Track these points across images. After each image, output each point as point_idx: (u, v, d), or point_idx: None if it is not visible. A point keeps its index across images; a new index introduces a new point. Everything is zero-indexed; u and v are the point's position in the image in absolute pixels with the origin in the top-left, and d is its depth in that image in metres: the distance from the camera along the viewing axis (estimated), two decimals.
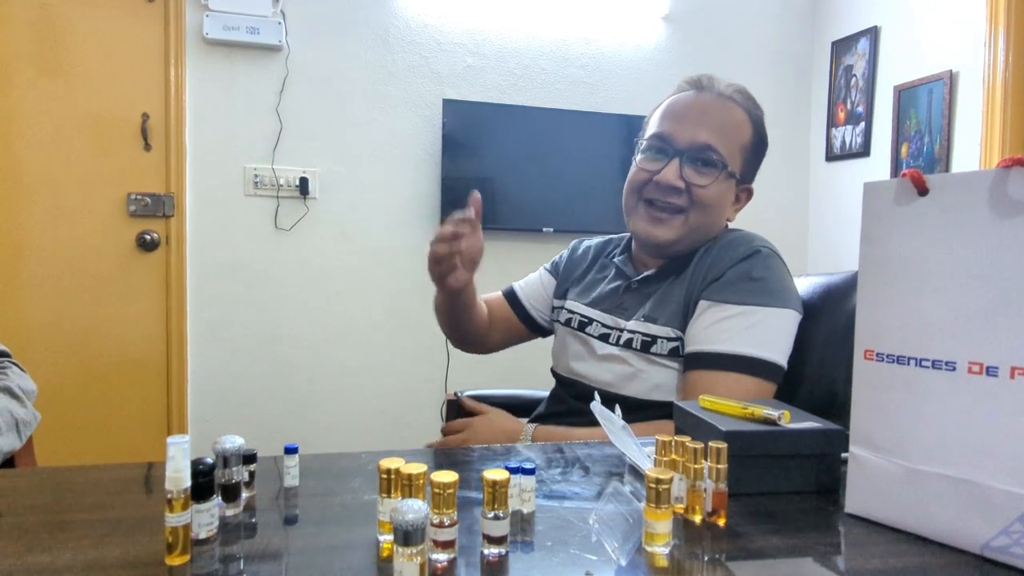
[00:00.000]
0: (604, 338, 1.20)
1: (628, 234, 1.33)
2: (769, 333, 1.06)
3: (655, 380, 1.12)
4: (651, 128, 1.22)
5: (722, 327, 1.06)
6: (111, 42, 2.49)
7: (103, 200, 2.51)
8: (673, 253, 1.20)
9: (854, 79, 2.93)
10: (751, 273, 1.09)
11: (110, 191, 2.51)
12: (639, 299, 1.20)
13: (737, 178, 1.19)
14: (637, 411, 1.07)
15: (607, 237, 1.43)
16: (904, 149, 2.65)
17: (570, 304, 1.32)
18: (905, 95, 2.64)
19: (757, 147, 1.22)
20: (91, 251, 2.51)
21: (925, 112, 2.55)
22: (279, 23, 2.61)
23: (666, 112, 1.21)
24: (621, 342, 1.16)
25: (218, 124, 2.61)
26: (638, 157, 1.22)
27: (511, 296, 1.52)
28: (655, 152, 1.19)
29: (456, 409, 1.58)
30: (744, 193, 1.24)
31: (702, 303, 1.10)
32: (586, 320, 1.25)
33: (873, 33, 2.81)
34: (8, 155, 2.43)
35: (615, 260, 1.32)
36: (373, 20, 2.75)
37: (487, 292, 2.88)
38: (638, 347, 1.13)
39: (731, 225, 1.27)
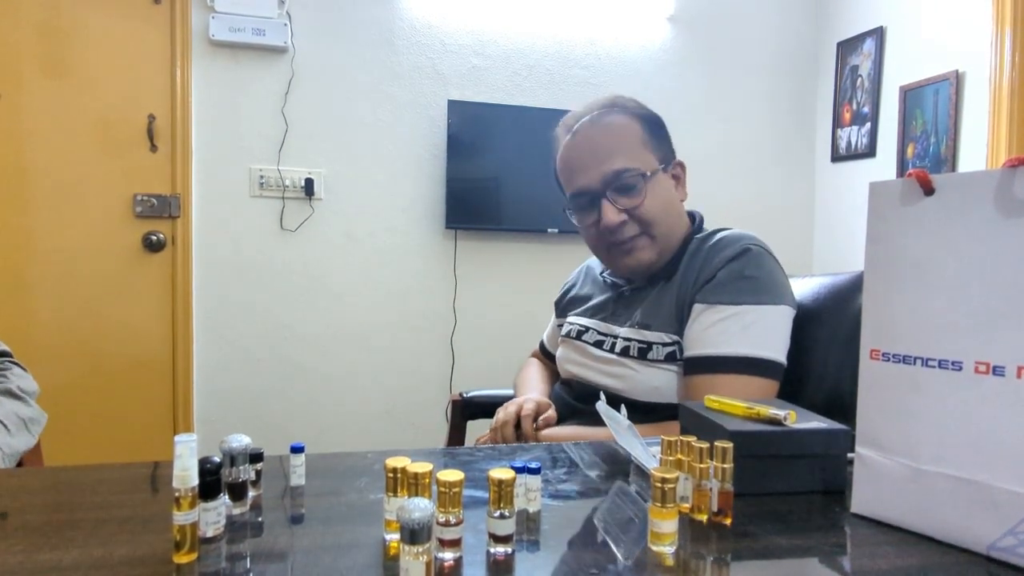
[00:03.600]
0: (599, 344, 1.21)
1: None
2: (766, 331, 1.06)
3: (653, 383, 1.12)
4: (567, 190, 1.24)
5: (719, 329, 1.06)
6: (117, 44, 2.50)
7: (109, 201, 2.52)
8: (660, 266, 1.21)
9: (860, 79, 2.92)
10: (743, 272, 1.09)
11: (116, 192, 2.52)
12: (631, 305, 1.22)
13: (661, 168, 1.20)
14: (638, 413, 1.07)
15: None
16: (910, 149, 2.64)
17: (570, 318, 1.34)
18: (911, 95, 2.64)
19: (654, 130, 1.22)
20: (97, 252, 2.52)
21: (931, 112, 2.54)
22: (285, 24, 2.62)
23: (565, 169, 1.23)
24: (617, 349, 1.17)
25: (224, 125, 2.62)
26: (575, 218, 1.25)
27: (543, 347, 1.56)
28: (584, 209, 1.21)
29: (461, 410, 1.58)
30: (678, 169, 1.25)
31: (697, 306, 1.10)
32: (583, 328, 1.27)
33: (879, 33, 2.81)
34: (15, 156, 2.44)
35: (605, 273, 1.35)
36: (378, 21, 2.75)
37: (485, 293, 2.87)
38: (635, 354, 1.14)
39: (722, 221, 1.28)
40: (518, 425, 1.16)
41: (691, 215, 1.27)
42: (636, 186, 1.16)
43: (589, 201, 1.19)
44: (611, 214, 1.16)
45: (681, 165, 1.25)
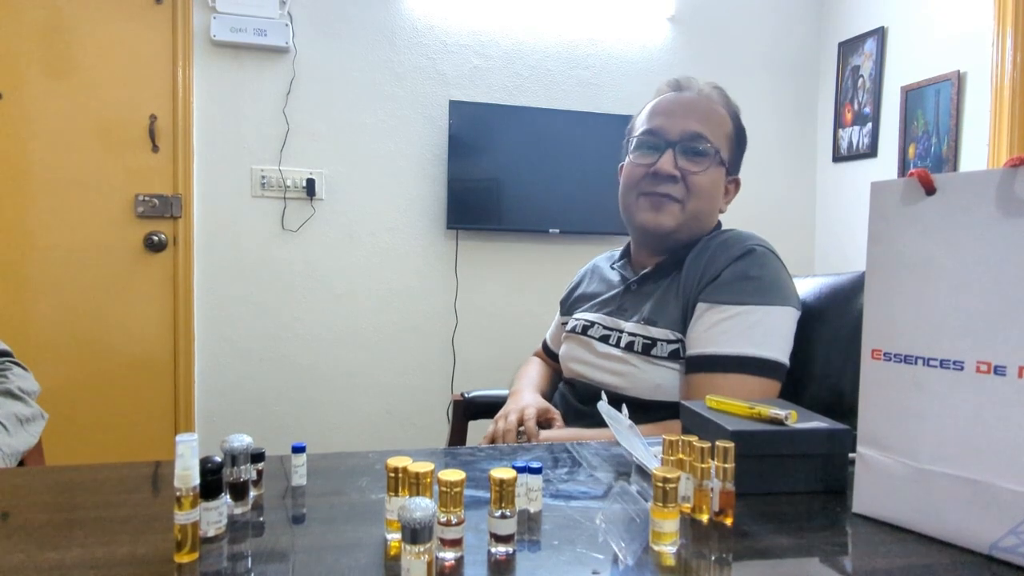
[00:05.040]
0: (604, 339, 1.21)
1: (625, 243, 1.36)
2: (769, 332, 1.06)
3: (656, 380, 1.12)
4: (640, 126, 1.26)
5: (722, 328, 1.06)
6: (119, 44, 2.51)
7: (111, 201, 2.52)
8: (674, 243, 1.22)
9: (861, 80, 2.92)
10: (747, 272, 1.09)
11: (118, 192, 2.53)
12: (638, 301, 1.22)
13: (727, 166, 1.23)
14: (639, 411, 1.08)
15: (606, 254, 1.47)
16: (911, 150, 2.64)
17: (576, 314, 1.34)
18: (912, 96, 2.63)
19: (739, 139, 1.27)
20: (99, 252, 2.52)
21: (932, 113, 2.54)
22: (286, 25, 2.62)
23: (654, 110, 1.25)
24: (622, 344, 1.17)
25: (225, 126, 2.62)
26: (631, 155, 1.26)
27: (545, 347, 1.56)
28: (648, 147, 1.22)
29: (462, 410, 1.58)
30: (732, 185, 1.28)
31: (700, 305, 1.10)
32: (588, 324, 1.27)
33: (880, 34, 2.81)
34: (17, 156, 2.44)
35: (614, 267, 1.36)
36: (380, 22, 2.75)
37: (487, 293, 2.87)
38: (639, 350, 1.14)
39: (724, 222, 1.29)
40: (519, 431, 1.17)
41: None
42: (705, 157, 1.19)
43: (655, 144, 1.21)
44: (668, 164, 1.18)
45: (737, 183, 1.29)
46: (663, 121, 1.21)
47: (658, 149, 1.20)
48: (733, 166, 1.26)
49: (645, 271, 1.25)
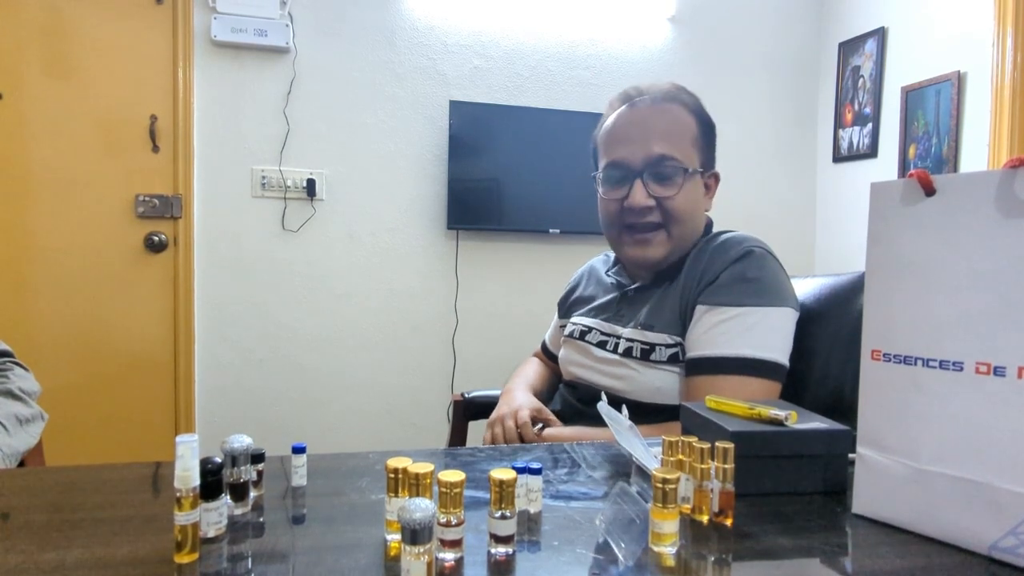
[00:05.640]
0: (602, 345, 1.21)
1: None
2: (768, 333, 1.06)
3: (655, 384, 1.12)
4: (602, 158, 1.24)
5: (721, 330, 1.06)
6: (119, 44, 2.51)
7: (111, 201, 2.52)
8: (666, 266, 1.21)
9: (861, 80, 2.92)
10: (745, 274, 1.09)
11: (118, 192, 2.53)
12: (635, 306, 1.22)
13: (700, 171, 1.20)
14: (640, 413, 1.08)
15: (602, 256, 1.46)
16: (912, 150, 2.64)
17: (573, 319, 1.34)
18: (912, 96, 2.63)
19: (706, 134, 1.22)
20: (99, 252, 2.52)
21: (933, 113, 2.54)
22: (287, 25, 2.62)
23: (610, 137, 1.22)
24: (620, 350, 1.17)
25: (226, 126, 2.62)
26: (601, 189, 1.24)
27: (544, 348, 1.56)
28: (615, 181, 1.20)
29: (462, 410, 1.58)
30: (712, 179, 1.25)
31: (699, 308, 1.10)
32: (586, 329, 1.27)
33: (880, 34, 2.81)
34: (17, 157, 2.44)
35: (610, 273, 1.35)
36: (380, 22, 2.75)
37: (487, 293, 2.87)
38: (637, 355, 1.14)
39: (723, 222, 1.28)
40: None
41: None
42: (674, 178, 1.16)
43: (622, 176, 1.18)
44: (640, 196, 1.15)
45: (716, 176, 1.25)
46: (624, 151, 1.18)
47: (627, 181, 1.18)
48: (707, 164, 1.22)
49: (642, 281, 1.25)
